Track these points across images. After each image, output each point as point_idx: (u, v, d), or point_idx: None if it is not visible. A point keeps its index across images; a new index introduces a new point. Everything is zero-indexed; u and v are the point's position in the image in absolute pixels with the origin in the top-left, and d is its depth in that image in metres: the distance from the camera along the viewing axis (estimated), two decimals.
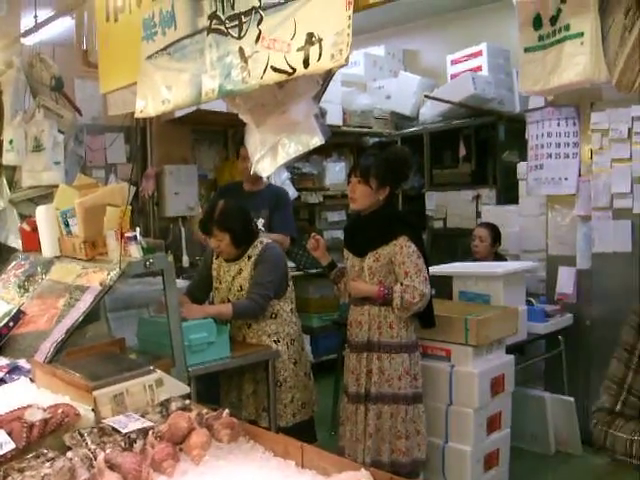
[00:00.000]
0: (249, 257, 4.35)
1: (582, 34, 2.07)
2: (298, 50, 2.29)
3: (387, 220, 4.14)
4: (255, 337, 4.37)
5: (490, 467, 4.59)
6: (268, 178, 5.25)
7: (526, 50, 2.29)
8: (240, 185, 5.53)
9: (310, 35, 2.23)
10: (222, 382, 4.51)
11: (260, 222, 5.16)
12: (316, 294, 7.31)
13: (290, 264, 5.68)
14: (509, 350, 4.84)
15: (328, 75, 3.10)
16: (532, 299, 5.59)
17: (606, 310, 5.56)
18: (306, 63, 2.28)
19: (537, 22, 2.23)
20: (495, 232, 6.14)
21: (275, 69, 2.44)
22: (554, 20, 2.17)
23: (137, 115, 3.43)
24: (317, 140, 3.14)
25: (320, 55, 2.20)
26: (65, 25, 5.03)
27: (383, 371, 4.10)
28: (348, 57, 2.11)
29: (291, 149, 3.18)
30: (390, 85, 8.48)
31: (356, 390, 4.19)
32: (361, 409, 4.15)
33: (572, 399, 5.45)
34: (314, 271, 6.96)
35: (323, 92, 3.27)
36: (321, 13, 2.20)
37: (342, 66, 2.21)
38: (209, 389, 4.41)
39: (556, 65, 2.16)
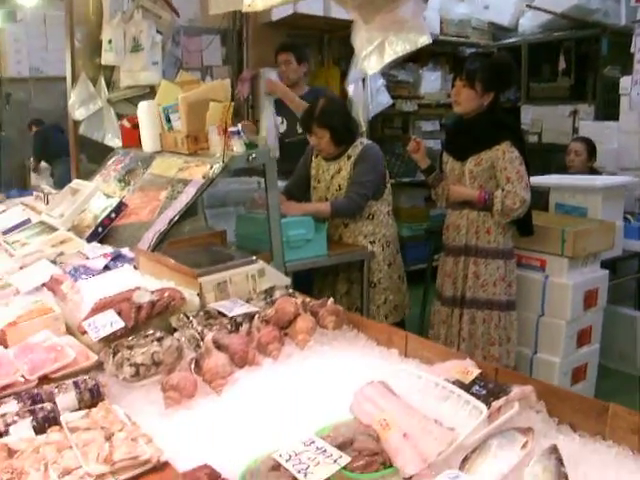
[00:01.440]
0: (349, 157, 4.36)
1: None
2: None
3: (491, 124, 4.11)
4: (351, 237, 4.42)
5: (577, 380, 4.61)
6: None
7: None
8: None
9: None
10: (316, 281, 4.59)
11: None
12: (407, 204, 7.29)
13: None
14: (603, 265, 4.79)
15: None
16: (629, 216, 5.48)
17: None
18: None
19: None
20: (591, 146, 6.02)
21: None
22: None
23: (244, 9, 3.39)
24: (425, 39, 3.09)
25: None
26: None
27: (478, 276, 4.13)
28: None
29: (398, 47, 3.13)
30: None
31: (452, 293, 4.25)
32: (456, 313, 4.22)
33: None
34: (406, 180, 6.94)
35: None
36: None
37: None
38: (302, 289, 4.47)
39: None
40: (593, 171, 6.05)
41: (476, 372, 1.85)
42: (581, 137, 6.29)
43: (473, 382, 1.81)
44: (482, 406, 1.68)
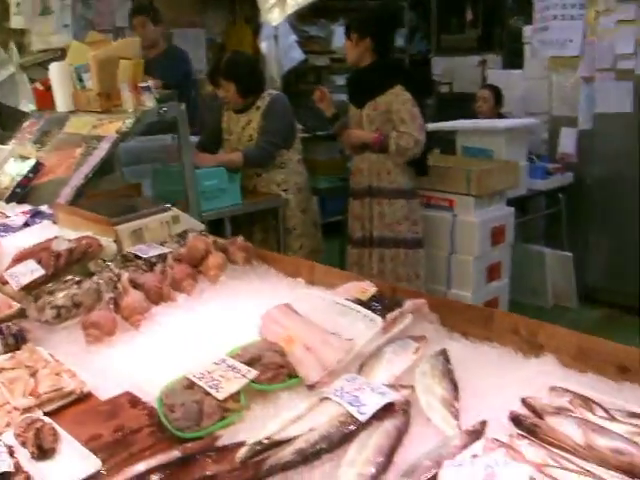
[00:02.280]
0: (257, 108, 4.49)
1: None
2: None
3: (382, 70, 4.33)
4: (265, 186, 4.56)
5: None
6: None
7: None
8: None
9: None
10: (233, 231, 4.67)
11: None
12: (323, 156, 7.37)
13: (298, 126, 5.76)
14: (510, 204, 5.02)
15: None
16: (534, 157, 5.72)
17: (607, 170, 5.71)
18: None
19: None
20: (497, 93, 6.24)
21: None
22: None
23: None
24: None
25: None
26: None
27: (383, 216, 4.34)
28: None
29: None
30: None
31: (361, 235, 4.44)
32: (366, 253, 4.41)
33: (570, 254, 5.65)
34: (322, 133, 7.04)
35: None
36: None
37: None
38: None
39: None
40: (501, 116, 6.26)
41: (373, 290, 2.01)
42: (488, 84, 6.52)
43: (371, 299, 1.97)
44: (378, 318, 1.84)
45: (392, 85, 4.24)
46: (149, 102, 3.59)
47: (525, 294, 5.61)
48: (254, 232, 4.61)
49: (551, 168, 5.73)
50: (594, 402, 1.54)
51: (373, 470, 1.37)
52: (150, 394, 1.70)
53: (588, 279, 5.79)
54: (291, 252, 4.52)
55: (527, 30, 6.41)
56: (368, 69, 4.35)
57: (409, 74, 4.57)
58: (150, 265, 2.40)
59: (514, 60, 7.09)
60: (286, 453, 1.43)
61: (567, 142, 5.90)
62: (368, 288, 2.03)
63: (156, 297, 2.21)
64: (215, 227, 4.32)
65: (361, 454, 1.42)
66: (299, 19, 6.95)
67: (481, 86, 6.58)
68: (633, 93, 5.47)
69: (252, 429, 1.52)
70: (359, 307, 1.91)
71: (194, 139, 4.67)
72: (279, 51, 6.73)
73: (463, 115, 6.68)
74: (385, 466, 1.39)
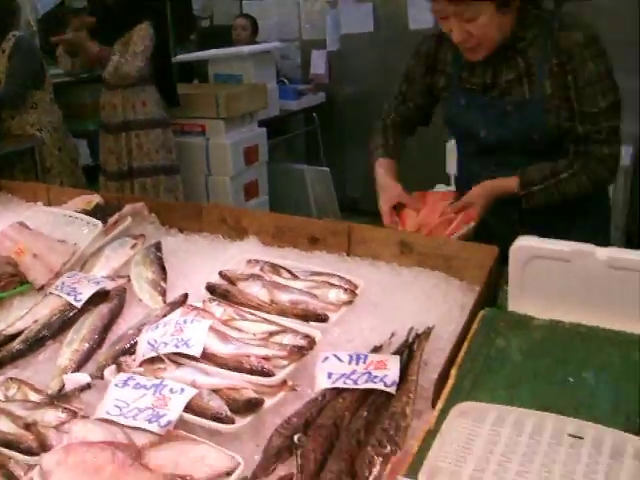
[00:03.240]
0: (3, 50, 4.45)
1: None
2: None
3: (130, 7, 4.38)
4: (19, 128, 4.55)
5: None
6: None
7: None
8: None
9: None
10: None
11: None
12: (90, 98, 7.34)
13: (59, 71, 5.75)
14: (264, 125, 5.26)
15: None
16: (285, 80, 5.99)
17: (356, 88, 6.09)
18: None
19: None
20: (253, 22, 6.42)
21: None
22: None
23: None
24: None
25: None
26: None
27: (141, 146, 4.48)
28: None
29: None
30: None
31: (118, 168, 4.56)
32: (127, 185, 4.56)
33: (327, 169, 5.98)
34: (85, 76, 6.99)
35: None
36: None
37: None
38: None
39: None
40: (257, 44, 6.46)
41: (97, 200, 2.19)
42: (244, 14, 6.61)
43: (95, 208, 2.16)
44: (99, 223, 2.03)
45: (141, 21, 4.34)
46: None
47: (290, 208, 5.90)
48: (15, 174, 4.56)
49: (302, 89, 6.02)
50: (282, 268, 1.81)
51: (87, 345, 1.60)
52: None
53: (347, 191, 6.17)
54: None
55: None
56: (114, 9, 4.41)
57: (159, 12, 4.63)
58: None
59: None
60: (14, 344, 1.63)
61: (318, 64, 6.22)
62: (93, 199, 2.21)
63: None
64: None
65: (78, 334, 1.63)
66: None
67: (237, 15, 6.68)
68: (373, 13, 5.81)
69: None
70: (83, 215, 2.09)
71: None
72: None
73: (224, 46, 6.86)
74: (99, 342, 1.62)
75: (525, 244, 1.49)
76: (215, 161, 4.84)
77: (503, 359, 1.35)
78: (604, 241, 1.69)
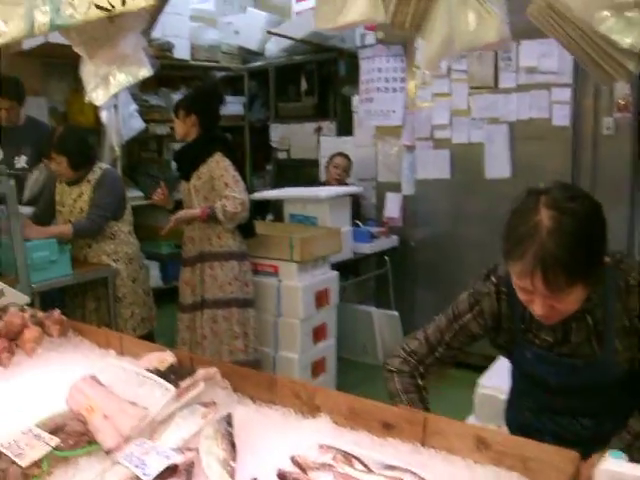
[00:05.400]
0: (89, 181, 4.63)
1: None
2: None
3: (202, 142, 4.61)
4: (95, 257, 4.67)
5: (318, 373, 5.06)
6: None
7: None
8: None
9: None
10: (67, 300, 4.79)
11: (23, 160, 5.32)
12: (164, 222, 7.47)
13: (138, 193, 5.92)
14: (337, 268, 5.28)
15: (156, 11, 3.35)
16: (359, 222, 6.04)
17: (429, 232, 6.10)
18: (123, 1, 2.54)
19: None
20: (349, 160, 6.57)
21: (98, 6, 2.68)
22: None
23: None
24: (145, 71, 3.37)
25: None
26: None
27: (216, 277, 4.55)
28: None
29: (122, 79, 3.40)
30: (238, 20, 8.69)
31: (192, 300, 4.63)
32: (198, 316, 4.61)
33: (397, 313, 5.99)
34: None
35: (151, 27, 3.51)
36: None
37: (157, 5, 2.48)
38: (54, 308, 4.64)
39: (342, 6, 2.48)
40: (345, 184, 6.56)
41: (171, 360, 2.19)
42: (342, 153, 6.73)
43: (169, 369, 2.15)
44: (171, 387, 2.02)
45: (212, 153, 4.51)
46: None
47: (356, 352, 5.90)
48: (87, 301, 4.70)
49: (376, 232, 6.05)
50: (355, 457, 1.76)
51: None
52: None
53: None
54: (122, 320, 4.64)
55: (355, 100, 6.81)
56: (191, 143, 4.66)
57: (227, 142, 4.85)
58: None
59: (347, 127, 7.41)
60: None
61: (392, 206, 6.27)
62: (167, 358, 2.21)
63: None
64: (49, 296, 4.42)
65: None
66: (140, 88, 7.10)
67: (336, 153, 6.75)
68: (450, 160, 5.87)
69: None
70: (156, 377, 2.08)
71: (29, 210, 4.76)
72: (119, 120, 6.82)
73: (300, 179, 6.97)
74: None
75: (612, 469, 1.43)
76: (286, 303, 4.85)
77: None
78: None
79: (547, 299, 1.88)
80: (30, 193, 5.09)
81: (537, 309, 1.92)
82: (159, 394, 2.03)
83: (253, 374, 2.17)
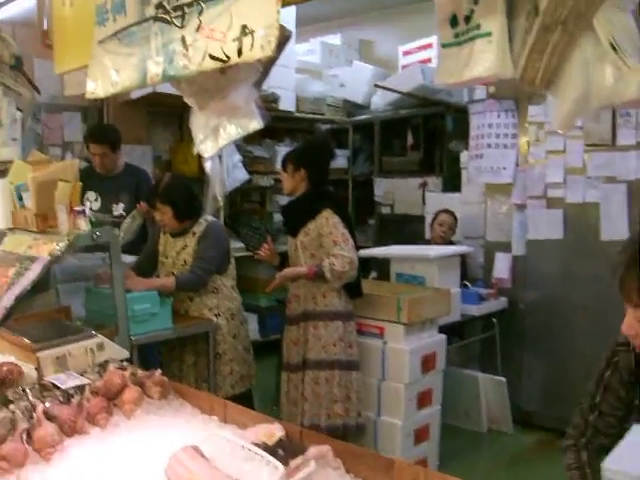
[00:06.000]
0: (194, 233, 4.57)
1: (490, 33, 2.26)
2: (233, 40, 2.47)
3: (310, 198, 4.48)
4: (197, 310, 4.59)
5: (421, 441, 4.81)
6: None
7: (444, 46, 2.48)
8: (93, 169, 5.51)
9: (244, 27, 2.41)
10: (164, 353, 4.73)
11: (120, 207, 5.32)
12: (265, 274, 7.41)
13: (239, 244, 5.84)
14: (443, 330, 5.06)
15: (269, 63, 3.28)
16: (468, 282, 5.84)
17: (539, 295, 5.87)
18: (240, 52, 2.45)
19: (453, 21, 2.42)
20: (455, 219, 6.39)
21: (212, 57, 2.61)
22: (468, 20, 2.37)
23: (88, 96, 3.55)
24: (256, 124, 3.30)
25: (252, 45, 2.37)
26: (25, 5, 5.12)
27: (319, 338, 4.39)
28: (275, 48, 2.30)
29: (232, 131, 3.34)
30: (344, 74, 8.69)
31: (297, 360, 4.47)
32: (299, 375, 4.44)
33: (504, 379, 5.72)
34: None
35: (264, 79, 3.43)
36: (254, 7, 2.38)
37: (270, 56, 2.39)
38: (152, 361, 4.59)
39: (468, 60, 2.35)
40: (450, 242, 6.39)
41: (280, 434, 2.03)
42: (448, 210, 6.53)
43: (277, 444, 2.00)
44: (280, 465, 1.86)
45: (321, 210, 4.37)
46: (83, 226, 3.63)
47: (460, 418, 5.66)
48: (185, 354, 4.62)
49: (485, 294, 5.84)
50: None
51: None
52: None
53: (522, 403, 5.85)
54: (221, 377, 4.52)
55: (464, 156, 6.66)
56: (299, 199, 4.54)
57: (336, 199, 4.73)
58: (67, 396, 2.41)
59: (453, 183, 7.26)
60: None
61: (501, 267, 6.06)
62: (276, 432, 2.06)
63: (70, 430, 2.22)
64: (147, 349, 4.35)
65: None
66: (244, 139, 7.08)
67: (441, 210, 6.57)
68: (563, 220, 5.65)
69: None
70: (263, 453, 1.93)
71: (131, 259, 4.72)
72: (223, 171, 6.83)
73: (404, 235, 6.82)
74: None
75: None
76: (391, 366, 4.64)
77: None
78: None
79: None
80: (123, 241, 5.06)
81: None
82: (267, 472, 1.88)
83: (369, 454, 2.00)
